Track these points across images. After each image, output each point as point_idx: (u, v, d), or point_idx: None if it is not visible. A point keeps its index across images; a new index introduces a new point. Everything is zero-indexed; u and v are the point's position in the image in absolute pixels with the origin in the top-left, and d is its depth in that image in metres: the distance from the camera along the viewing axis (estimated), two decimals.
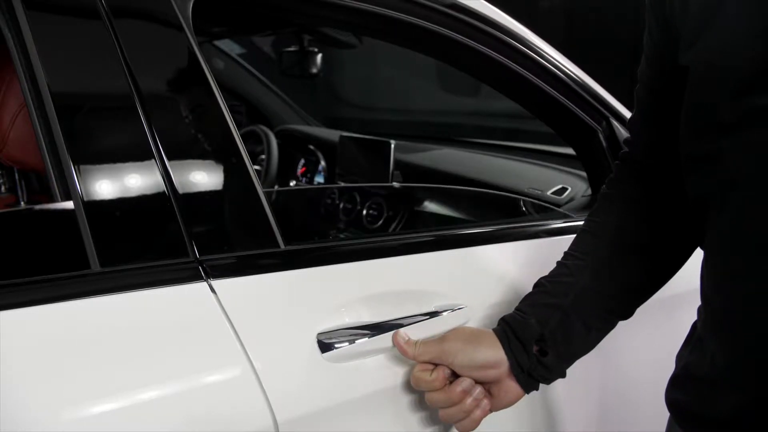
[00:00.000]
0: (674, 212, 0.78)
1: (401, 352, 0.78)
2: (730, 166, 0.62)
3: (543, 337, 0.77)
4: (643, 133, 0.81)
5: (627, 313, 0.82)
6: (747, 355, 0.63)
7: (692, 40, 0.64)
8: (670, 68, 0.68)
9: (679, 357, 0.76)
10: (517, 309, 0.81)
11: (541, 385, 0.79)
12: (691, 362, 0.72)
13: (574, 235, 0.86)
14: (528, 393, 0.79)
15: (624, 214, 0.81)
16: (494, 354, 0.77)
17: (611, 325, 0.81)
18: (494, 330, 0.80)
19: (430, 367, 0.78)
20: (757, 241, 0.61)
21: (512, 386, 0.78)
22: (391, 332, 0.79)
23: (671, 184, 0.76)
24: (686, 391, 0.72)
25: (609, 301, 0.80)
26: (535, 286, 0.83)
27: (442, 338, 0.79)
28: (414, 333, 0.80)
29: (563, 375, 0.80)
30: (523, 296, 0.83)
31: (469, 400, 0.76)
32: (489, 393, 0.79)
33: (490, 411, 0.79)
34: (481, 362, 0.76)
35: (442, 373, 0.77)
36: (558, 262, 0.84)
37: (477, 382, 0.77)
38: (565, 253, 0.84)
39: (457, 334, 0.79)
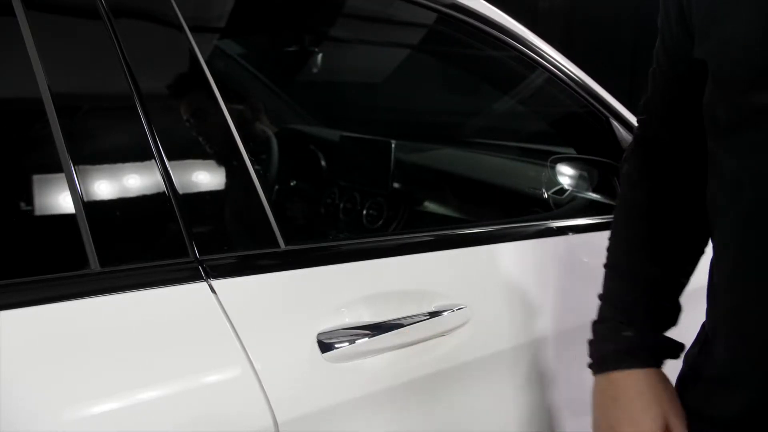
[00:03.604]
0: (687, 199, 0.75)
1: None
2: (735, 166, 0.61)
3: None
4: (658, 109, 0.77)
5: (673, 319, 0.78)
6: (756, 354, 0.63)
7: (704, 34, 0.63)
8: (688, 60, 0.66)
9: (687, 357, 0.75)
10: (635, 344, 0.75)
11: (540, 384, 0.79)
12: (699, 362, 0.71)
13: (573, 235, 0.86)
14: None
15: (661, 195, 0.77)
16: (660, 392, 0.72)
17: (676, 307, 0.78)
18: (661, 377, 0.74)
19: None
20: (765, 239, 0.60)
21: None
22: (392, 332, 0.79)
23: (686, 169, 0.74)
24: (694, 390, 0.72)
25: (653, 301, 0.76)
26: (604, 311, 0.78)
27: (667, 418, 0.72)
28: (414, 333, 0.80)
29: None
30: (522, 296, 0.83)
31: None
32: None
33: None
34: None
35: None
36: (612, 278, 0.79)
37: None
38: (610, 267, 0.79)
39: (673, 408, 0.72)
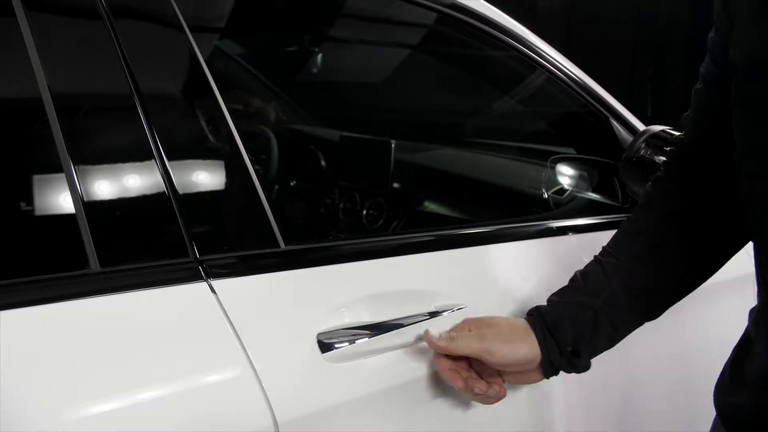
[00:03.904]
0: (717, 217, 0.78)
1: (435, 348, 0.78)
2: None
3: (576, 339, 0.78)
4: (695, 131, 0.80)
5: (654, 314, 0.82)
6: None
7: (741, 33, 0.64)
8: (724, 59, 0.67)
9: (729, 361, 0.75)
10: (550, 301, 0.82)
11: (539, 383, 0.80)
12: (740, 365, 0.71)
13: (573, 235, 0.86)
14: (548, 378, 0.81)
15: (664, 216, 0.81)
16: (531, 352, 0.78)
17: (637, 326, 0.82)
18: (529, 322, 0.80)
19: (452, 364, 0.79)
20: None
21: (535, 375, 0.80)
22: (392, 332, 0.79)
23: (720, 187, 0.76)
24: (735, 394, 0.71)
25: (638, 302, 0.80)
26: (570, 280, 0.83)
27: (482, 336, 0.78)
28: (414, 333, 0.80)
29: (588, 368, 0.81)
30: (522, 296, 0.83)
31: (481, 397, 0.79)
32: (506, 375, 0.81)
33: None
34: (519, 360, 0.78)
35: (463, 384, 0.78)
36: (594, 257, 0.84)
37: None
38: (603, 248, 0.84)
39: (496, 333, 0.79)
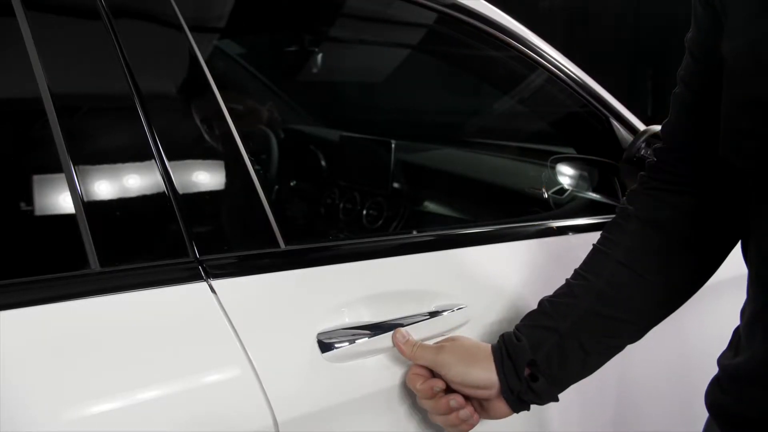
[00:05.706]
0: (696, 234, 0.76)
1: (399, 351, 0.78)
2: None
3: (535, 362, 0.76)
4: (678, 136, 0.77)
5: (634, 337, 0.79)
6: None
7: (739, 28, 0.62)
8: (713, 59, 0.65)
9: (721, 359, 0.74)
10: (516, 327, 0.79)
11: None
12: (731, 364, 0.70)
13: (573, 235, 0.86)
14: (518, 413, 0.78)
15: (639, 236, 0.77)
16: (487, 376, 0.76)
17: (616, 350, 0.79)
18: (492, 347, 0.78)
19: (425, 373, 0.78)
20: None
21: (502, 406, 0.77)
22: (391, 332, 0.79)
23: (700, 199, 0.74)
24: (727, 392, 0.70)
25: (613, 324, 0.76)
26: (538, 304, 0.81)
27: (440, 347, 0.78)
28: (414, 333, 0.80)
29: (555, 399, 0.78)
30: (522, 296, 0.83)
31: (454, 416, 0.76)
32: (479, 405, 0.78)
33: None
34: (473, 382, 0.76)
35: (429, 387, 0.76)
36: (566, 280, 0.81)
37: (467, 396, 0.77)
38: (575, 270, 0.81)
39: (455, 347, 0.78)
